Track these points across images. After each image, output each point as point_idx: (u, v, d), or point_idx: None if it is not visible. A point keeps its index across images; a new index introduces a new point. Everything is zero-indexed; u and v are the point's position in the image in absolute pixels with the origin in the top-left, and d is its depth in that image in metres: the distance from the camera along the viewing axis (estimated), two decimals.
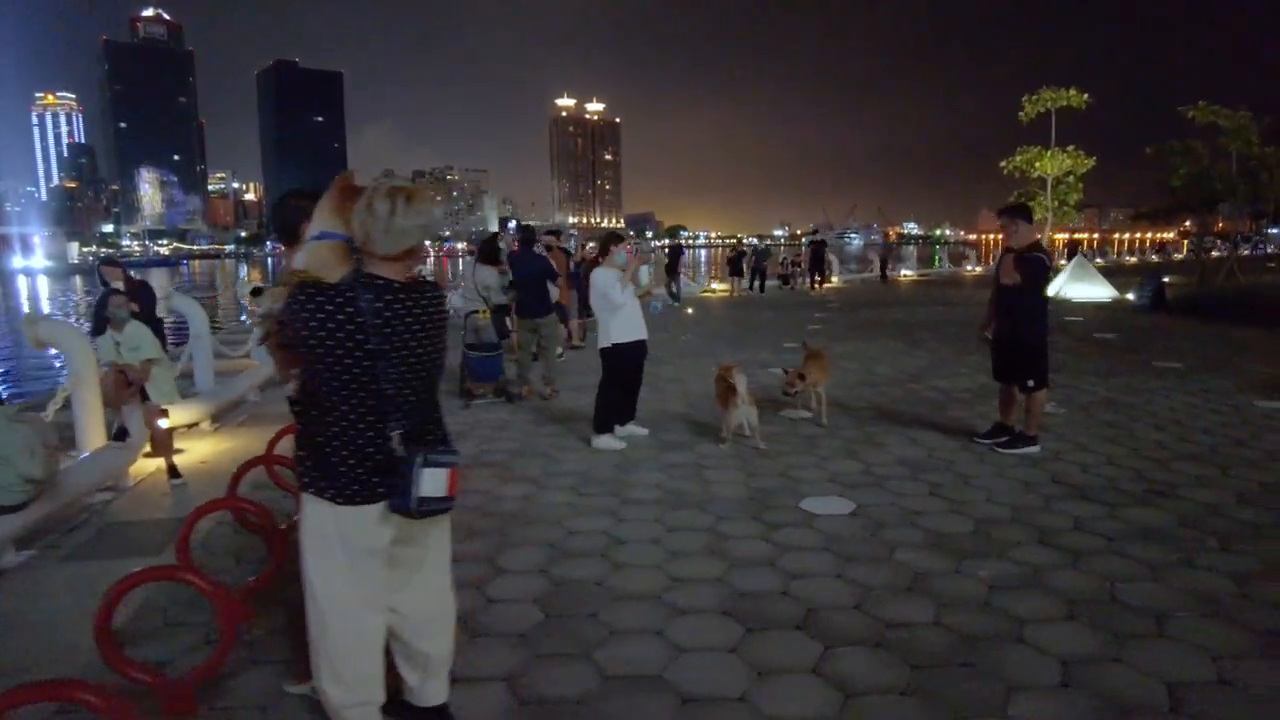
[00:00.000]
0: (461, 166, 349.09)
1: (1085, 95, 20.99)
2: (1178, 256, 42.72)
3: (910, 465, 5.49)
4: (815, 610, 3.41)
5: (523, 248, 8.12)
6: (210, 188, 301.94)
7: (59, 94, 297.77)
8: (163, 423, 5.62)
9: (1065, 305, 17.07)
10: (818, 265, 21.66)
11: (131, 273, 7.75)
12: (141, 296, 7.12)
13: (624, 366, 6.20)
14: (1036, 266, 5.57)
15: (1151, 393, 7.71)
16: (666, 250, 19.75)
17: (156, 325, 7.40)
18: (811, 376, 6.69)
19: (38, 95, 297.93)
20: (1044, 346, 5.72)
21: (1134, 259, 44.94)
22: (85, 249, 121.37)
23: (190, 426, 6.97)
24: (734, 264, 21.63)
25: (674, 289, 18.33)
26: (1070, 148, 21.22)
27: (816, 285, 21.66)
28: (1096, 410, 7.00)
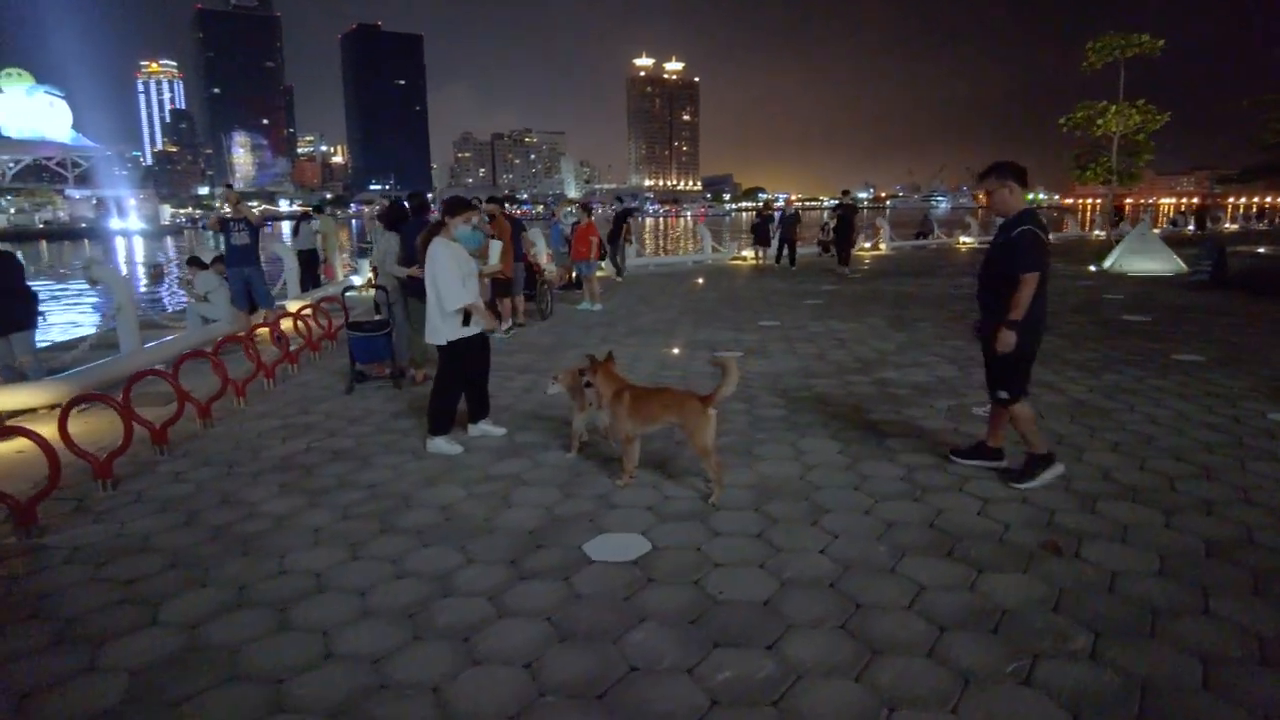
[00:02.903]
0: (539, 129, 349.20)
1: (1160, 41, 18.36)
2: None
3: (764, 490, 4.41)
4: None
5: (414, 216, 7.23)
6: (299, 150, 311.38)
7: (161, 61, 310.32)
8: None
9: (1118, 279, 15.18)
10: (844, 233, 18.73)
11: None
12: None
13: (466, 362, 5.33)
14: (1024, 245, 4.15)
15: (1141, 395, 6.30)
16: (612, 215, 17.69)
17: (20, 297, 7.10)
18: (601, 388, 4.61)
19: (142, 63, 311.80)
20: (1027, 349, 4.27)
21: (1234, 226, 40.44)
22: (180, 211, 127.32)
23: (33, 411, 6.47)
24: (758, 230, 19.72)
25: (618, 260, 16.73)
26: (1140, 101, 18.67)
27: (845, 257, 18.72)
28: (1056, 419, 5.65)
